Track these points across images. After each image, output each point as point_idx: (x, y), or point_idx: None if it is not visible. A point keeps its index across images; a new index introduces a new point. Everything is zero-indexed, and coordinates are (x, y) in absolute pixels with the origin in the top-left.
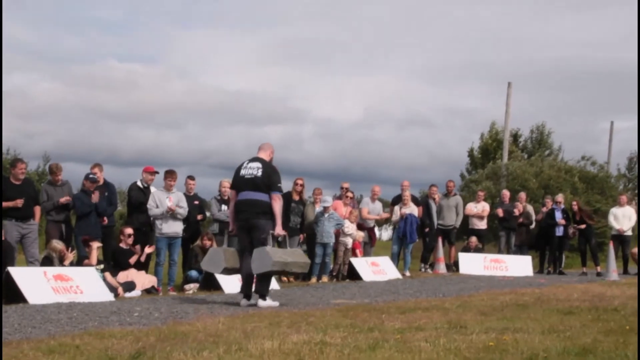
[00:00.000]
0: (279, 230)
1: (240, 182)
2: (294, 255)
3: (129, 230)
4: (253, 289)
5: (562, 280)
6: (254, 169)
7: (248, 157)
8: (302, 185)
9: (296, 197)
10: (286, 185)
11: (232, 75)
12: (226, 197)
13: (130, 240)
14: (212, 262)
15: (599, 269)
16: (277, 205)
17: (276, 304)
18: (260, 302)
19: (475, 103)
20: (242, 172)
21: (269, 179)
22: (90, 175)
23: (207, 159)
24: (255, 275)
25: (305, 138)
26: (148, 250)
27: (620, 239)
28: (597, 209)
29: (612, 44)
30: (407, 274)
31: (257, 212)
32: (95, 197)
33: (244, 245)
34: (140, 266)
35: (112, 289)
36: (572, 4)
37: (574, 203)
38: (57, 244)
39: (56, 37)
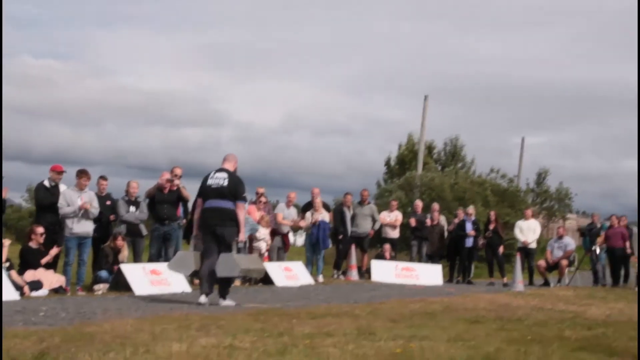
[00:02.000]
0: (242, 236)
1: (207, 191)
2: (254, 263)
3: (40, 230)
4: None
5: (471, 289)
6: (220, 179)
7: (165, 158)
8: None
9: None
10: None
11: (151, 76)
12: (134, 199)
13: (41, 240)
14: (181, 264)
15: (505, 279)
16: (242, 213)
17: (234, 303)
18: (222, 302)
19: (395, 114)
20: (210, 181)
21: (235, 188)
22: None
23: (123, 158)
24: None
25: (223, 141)
26: (54, 251)
27: (525, 251)
28: (507, 222)
29: (527, 62)
30: (320, 279)
31: (224, 219)
32: (4, 194)
33: (207, 247)
34: (48, 265)
35: (18, 287)
36: (489, 23)
37: (492, 213)
38: None
39: None
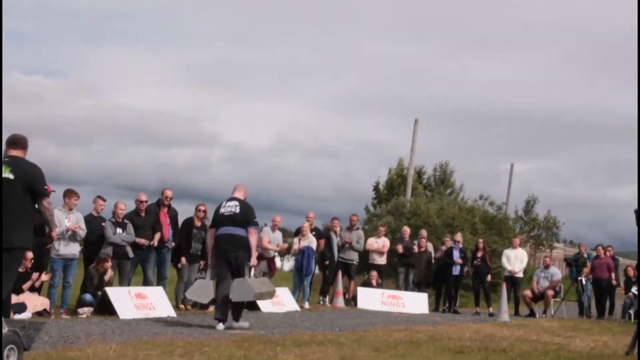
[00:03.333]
0: (253, 261)
1: (220, 219)
2: (266, 286)
3: (30, 255)
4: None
5: (456, 319)
6: (232, 207)
7: (155, 178)
8: (204, 212)
9: (198, 223)
10: (189, 210)
11: (141, 95)
12: (120, 220)
13: (29, 265)
14: (200, 292)
15: (491, 309)
16: (253, 238)
17: (247, 324)
18: (234, 323)
19: (385, 137)
20: (222, 210)
21: (246, 215)
22: None
23: (112, 178)
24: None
25: (213, 162)
26: (44, 277)
27: (512, 280)
28: (494, 250)
29: (517, 86)
30: (306, 306)
31: (237, 245)
32: None
33: (221, 273)
34: (33, 288)
35: None
36: (481, 46)
37: (480, 240)
38: None
39: None
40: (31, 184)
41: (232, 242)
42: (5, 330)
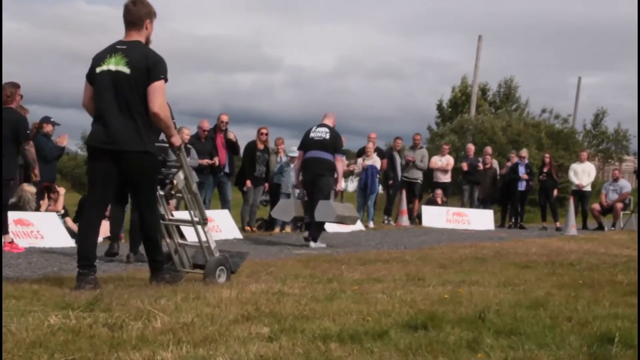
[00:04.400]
0: (339, 186)
1: (309, 143)
2: (350, 210)
3: None
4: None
5: (522, 234)
6: (322, 133)
7: (217, 104)
8: (266, 134)
9: (261, 146)
10: (251, 134)
11: (201, 21)
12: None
13: None
14: (283, 211)
15: (558, 224)
16: (340, 165)
17: (324, 245)
18: (312, 244)
19: (448, 55)
20: (312, 134)
21: (335, 141)
22: (52, 119)
23: (175, 105)
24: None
25: (276, 86)
26: None
27: (579, 194)
28: (561, 165)
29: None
30: (371, 225)
31: (323, 168)
32: (63, 141)
33: (309, 194)
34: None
35: (74, 234)
36: None
37: (547, 155)
38: (30, 187)
39: None
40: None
41: (320, 165)
42: (217, 254)
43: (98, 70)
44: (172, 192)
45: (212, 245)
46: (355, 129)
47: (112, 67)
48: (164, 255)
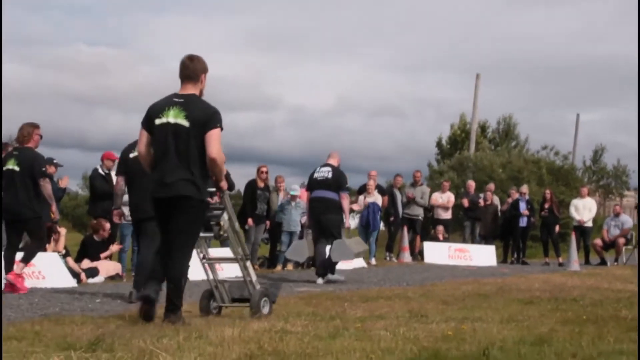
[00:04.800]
0: (347, 223)
1: (313, 183)
2: (360, 245)
3: (108, 225)
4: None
5: (525, 270)
6: (325, 172)
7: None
8: (266, 173)
9: (261, 184)
10: (251, 172)
11: None
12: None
13: (107, 235)
14: (297, 252)
15: (560, 259)
16: (345, 202)
17: (343, 277)
18: (330, 276)
19: (446, 93)
20: (315, 175)
21: (338, 180)
22: (55, 161)
23: None
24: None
25: (276, 125)
26: (115, 248)
27: (581, 230)
28: (562, 201)
29: (580, 38)
30: (373, 262)
31: (327, 207)
32: (64, 182)
33: (314, 234)
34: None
35: (75, 274)
36: None
37: (547, 191)
38: None
39: (21, 21)
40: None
41: (323, 204)
42: (258, 286)
43: (157, 122)
44: (221, 233)
45: (254, 279)
46: (356, 166)
47: (172, 120)
48: (182, 299)
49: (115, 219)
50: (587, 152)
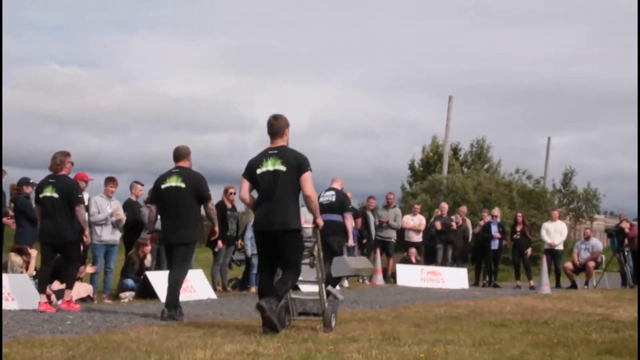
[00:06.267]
0: (350, 242)
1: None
2: (364, 263)
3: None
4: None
5: (497, 293)
6: (329, 196)
7: (192, 163)
8: (233, 194)
9: (229, 205)
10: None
11: (175, 82)
12: None
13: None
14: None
15: (532, 282)
16: (349, 222)
17: (342, 297)
18: (331, 289)
19: (419, 115)
20: (321, 199)
21: (342, 202)
22: (31, 180)
23: (150, 165)
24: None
25: (249, 146)
26: (90, 270)
27: (552, 253)
28: (533, 224)
29: (551, 61)
30: (345, 284)
31: (333, 230)
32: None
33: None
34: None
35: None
36: (513, 19)
37: (519, 214)
38: (16, 258)
39: None
40: (198, 190)
41: (328, 227)
42: (327, 304)
43: (259, 171)
44: (314, 262)
45: (325, 298)
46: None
47: (271, 168)
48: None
49: (149, 243)
50: (557, 175)
